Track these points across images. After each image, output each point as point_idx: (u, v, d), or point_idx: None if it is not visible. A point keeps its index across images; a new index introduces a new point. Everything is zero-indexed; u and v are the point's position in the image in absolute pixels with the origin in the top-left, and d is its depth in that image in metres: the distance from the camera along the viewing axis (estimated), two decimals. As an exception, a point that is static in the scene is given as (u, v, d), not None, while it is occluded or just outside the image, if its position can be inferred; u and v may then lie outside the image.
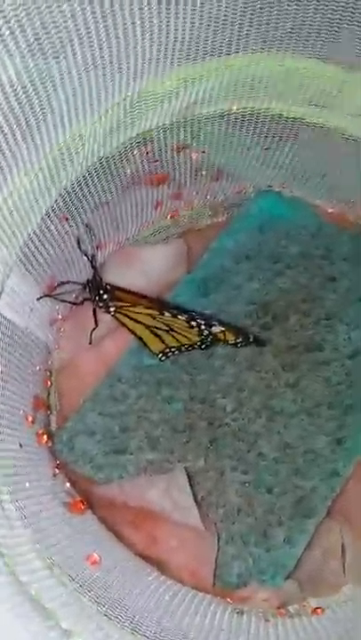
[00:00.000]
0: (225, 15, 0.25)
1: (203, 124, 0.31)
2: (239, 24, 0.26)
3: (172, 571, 0.31)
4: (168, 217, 0.40)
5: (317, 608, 0.27)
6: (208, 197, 0.39)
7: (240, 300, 0.38)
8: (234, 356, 0.36)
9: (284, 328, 0.37)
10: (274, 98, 0.29)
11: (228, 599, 0.30)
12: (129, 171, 0.32)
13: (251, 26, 0.26)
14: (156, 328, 0.34)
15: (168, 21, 0.24)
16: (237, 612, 0.27)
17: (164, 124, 0.30)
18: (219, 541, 0.32)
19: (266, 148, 0.33)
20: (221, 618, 0.27)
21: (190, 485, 0.33)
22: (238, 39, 0.27)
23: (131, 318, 0.34)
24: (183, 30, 0.25)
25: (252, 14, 0.26)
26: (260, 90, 0.29)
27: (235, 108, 0.30)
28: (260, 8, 0.25)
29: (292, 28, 0.25)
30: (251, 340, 0.35)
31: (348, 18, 0.26)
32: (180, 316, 0.33)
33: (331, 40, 0.26)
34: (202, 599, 0.29)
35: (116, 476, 0.33)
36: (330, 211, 0.39)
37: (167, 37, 0.25)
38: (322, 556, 0.32)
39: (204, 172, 0.36)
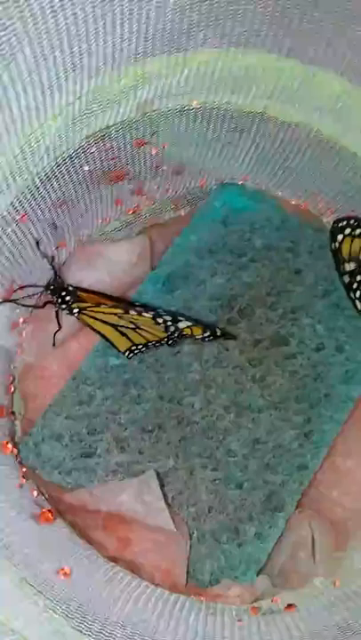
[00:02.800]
0: (183, 11, 0.25)
1: (162, 119, 0.30)
2: (197, 20, 0.25)
3: (145, 572, 0.31)
4: (130, 212, 0.39)
5: (290, 605, 0.27)
6: (170, 192, 0.39)
7: (205, 295, 0.37)
8: (201, 353, 0.36)
9: (250, 322, 0.37)
10: (234, 93, 0.29)
11: (201, 597, 0.30)
12: (87, 168, 0.31)
13: (209, 22, 0.25)
14: (122, 326, 0.34)
15: (123, 19, 0.23)
16: (211, 614, 0.27)
17: (122, 121, 0.29)
18: (190, 540, 0.32)
19: (227, 143, 0.32)
20: (195, 620, 0.27)
21: (161, 486, 0.33)
22: (196, 35, 0.26)
23: (95, 318, 0.33)
24: (139, 28, 0.24)
25: (210, 11, 0.25)
26: (220, 85, 0.28)
27: (194, 103, 0.29)
28: (219, 5, 0.25)
29: (250, 24, 0.25)
30: (218, 333, 0.34)
31: (309, 14, 0.25)
32: (145, 314, 0.32)
33: (289, 36, 0.26)
34: (175, 600, 0.29)
35: (85, 480, 0.33)
36: (293, 203, 0.39)
37: (122, 35, 0.24)
38: (292, 550, 0.32)
39: (164, 167, 0.35)
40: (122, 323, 0.33)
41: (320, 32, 0.25)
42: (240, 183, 0.39)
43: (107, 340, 0.35)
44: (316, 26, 0.25)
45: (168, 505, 0.32)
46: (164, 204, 0.40)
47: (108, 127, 0.28)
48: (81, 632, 0.22)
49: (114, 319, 0.33)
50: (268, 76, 0.27)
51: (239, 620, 0.26)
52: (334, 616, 0.25)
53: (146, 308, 0.33)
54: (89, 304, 0.32)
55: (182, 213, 0.41)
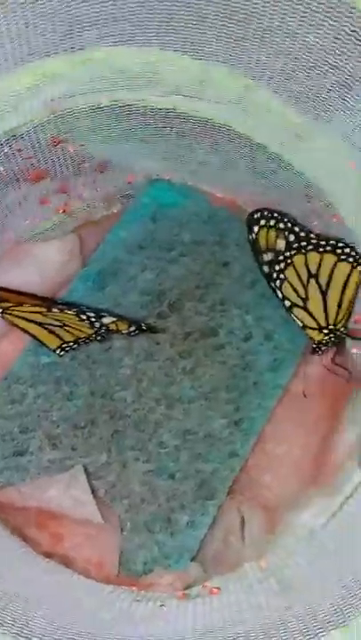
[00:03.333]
0: (84, 9, 0.25)
1: (75, 118, 0.31)
2: (95, 18, 0.25)
3: (78, 566, 0.32)
4: (60, 211, 0.39)
5: (214, 588, 0.28)
6: (98, 190, 0.39)
7: (135, 290, 0.38)
8: (131, 348, 0.36)
9: (180, 316, 0.37)
10: (141, 90, 0.29)
11: (134, 587, 0.31)
12: (2, 168, 0.31)
13: (111, 19, 0.26)
14: (49, 324, 0.34)
15: (16, 19, 0.23)
16: (137, 600, 0.28)
17: (31, 121, 0.29)
18: (122, 532, 0.32)
19: (143, 139, 0.33)
20: (120, 607, 0.27)
21: (94, 480, 0.33)
22: (91, 33, 0.26)
23: (21, 317, 0.33)
24: (36, 26, 0.25)
25: (113, 8, 0.25)
26: (126, 83, 0.29)
27: (104, 101, 0.30)
28: (120, 2, 0.25)
29: (142, 22, 0.25)
30: (143, 327, 0.35)
31: (212, 11, 0.26)
32: (68, 311, 0.33)
33: (193, 33, 0.26)
34: (106, 590, 0.29)
35: (17, 479, 0.33)
36: (219, 197, 0.39)
37: (19, 34, 0.25)
38: (224, 535, 0.33)
39: (87, 165, 0.35)
40: (48, 321, 0.34)
41: (215, 30, 0.26)
42: (167, 179, 0.39)
43: (36, 338, 0.35)
44: (212, 23, 0.26)
45: (101, 499, 0.33)
46: (95, 202, 0.40)
47: (16, 127, 0.28)
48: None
49: (39, 317, 0.33)
50: (172, 73, 0.28)
51: (162, 605, 0.26)
52: (258, 597, 0.26)
53: (69, 305, 0.34)
54: (11, 303, 0.32)
55: (114, 211, 0.41)
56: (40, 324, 0.34)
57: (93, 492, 0.33)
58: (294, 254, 0.33)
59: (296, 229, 0.33)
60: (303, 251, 0.33)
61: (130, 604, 0.28)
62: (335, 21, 0.22)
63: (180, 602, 0.28)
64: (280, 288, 0.34)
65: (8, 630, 0.21)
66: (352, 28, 0.22)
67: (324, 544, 0.26)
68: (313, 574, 0.24)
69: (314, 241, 0.32)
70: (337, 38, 0.23)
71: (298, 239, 0.33)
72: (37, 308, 0.33)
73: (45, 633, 0.23)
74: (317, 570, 0.25)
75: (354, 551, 0.23)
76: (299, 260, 0.33)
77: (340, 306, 0.34)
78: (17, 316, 0.33)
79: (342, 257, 0.32)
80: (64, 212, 0.39)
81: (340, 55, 0.24)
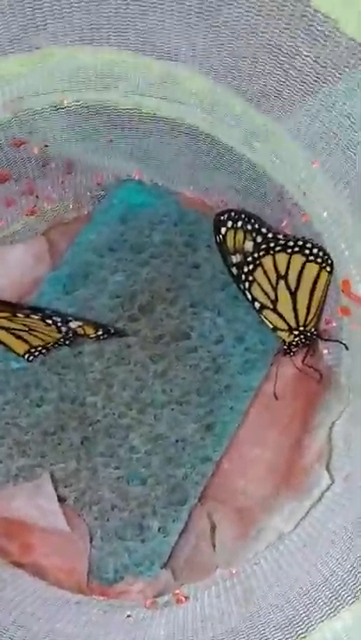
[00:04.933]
0: (38, 7, 0.24)
1: (36, 118, 0.30)
2: (50, 16, 0.25)
3: (49, 575, 0.31)
4: (28, 214, 0.39)
5: (182, 596, 0.28)
6: (67, 191, 0.38)
7: (105, 293, 0.37)
8: (102, 352, 0.36)
9: (151, 319, 0.37)
10: (102, 90, 0.29)
11: (103, 596, 0.30)
12: (-37, 171, 0.30)
13: (67, 18, 0.25)
14: (16, 329, 0.33)
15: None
16: (104, 611, 0.27)
17: (-9, 122, 0.28)
18: (92, 540, 0.32)
19: (109, 140, 0.32)
20: (88, 619, 0.27)
21: (63, 487, 0.33)
22: (54, 32, 0.26)
23: (-14, 324, 0.33)
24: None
25: (68, 7, 0.25)
26: (86, 82, 0.28)
27: (65, 102, 0.29)
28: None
29: (110, 21, 0.24)
30: (111, 331, 0.34)
31: (170, 8, 0.25)
32: (33, 316, 0.32)
33: (148, 32, 0.26)
34: (75, 602, 0.29)
35: (-15, 488, 0.33)
36: (189, 197, 0.39)
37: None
38: (194, 542, 0.32)
39: (53, 165, 0.35)
40: (14, 326, 0.33)
41: (175, 29, 0.25)
42: (137, 179, 0.39)
43: (3, 344, 0.34)
44: (171, 23, 0.25)
45: (70, 507, 0.32)
46: (64, 203, 0.39)
47: (-25, 129, 0.28)
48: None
49: (4, 322, 0.33)
50: (132, 72, 0.27)
51: (128, 616, 0.26)
52: (224, 605, 0.26)
53: (34, 310, 0.33)
54: (-25, 309, 0.32)
55: (85, 212, 0.41)
56: (6, 329, 0.33)
57: (63, 500, 0.32)
58: (263, 255, 0.32)
59: (263, 230, 0.33)
60: (271, 252, 0.32)
61: (98, 614, 0.27)
62: (290, 19, 0.22)
63: (148, 611, 0.27)
64: (249, 290, 0.34)
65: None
66: (307, 26, 0.22)
67: (290, 551, 0.26)
68: (276, 581, 0.24)
69: (282, 242, 0.32)
70: (293, 37, 0.22)
71: (266, 240, 0.33)
72: (2, 314, 0.32)
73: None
74: (281, 577, 0.24)
75: (316, 560, 0.23)
76: (267, 261, 0.33)
77: (309, 307, 0.33)
78: (-18, 322, 0.33)
79: (310, 258, 0.32)
80: (32, 213, 0.39)
81: (297, 55, 0.23)
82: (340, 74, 0.24)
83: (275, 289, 0.33)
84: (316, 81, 0.24)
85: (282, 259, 0.33)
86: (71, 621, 0.27)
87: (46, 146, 0.33)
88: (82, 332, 0.34)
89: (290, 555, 0.26)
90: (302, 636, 0.19)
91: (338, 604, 0.19)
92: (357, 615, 0.18)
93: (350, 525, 0.23)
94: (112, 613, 0.27)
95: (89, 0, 0.24)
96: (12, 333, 0.34)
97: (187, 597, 0.28)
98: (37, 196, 0.37)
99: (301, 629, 0.19)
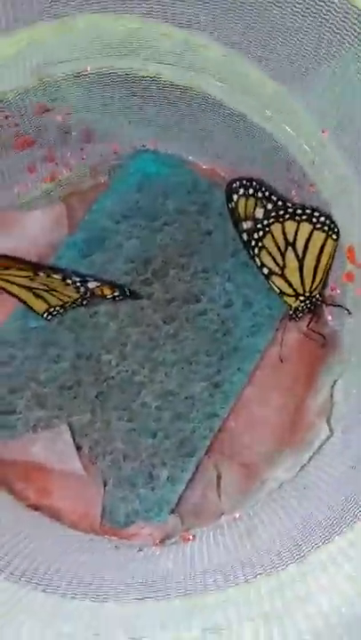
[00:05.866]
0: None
1: (61, 85, 0.31)
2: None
3: (64, 517, 0.33)
4: (48, 180, 0.40)
5: (188, 536, 0.30)
6: (85, 159, 0.40)
7: (120, 258, 0.39)
8: (116, 313, 0.38)
9: (164, 282, 0.38)
10: (123, 57, 0.30)
11: (115, 537, 0.32)
12: (-11, 135, 0.32)
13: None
14: (36, 289, 0.35)
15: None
16: (115, 547, 0.29)
17: (17, 87, 0.30)
18: (105, 486, 0.34)
19: (127, 108, 0.34)
20: (102, 552, 0.29)
21: (79, 437, 0.35)
22: (80, 0, 0.27)
23: (8, 281, 0.35)
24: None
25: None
26: (108, 50, 0.29)
27: (89, 68, 0.30)
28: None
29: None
30: (127, 292, 0.36)
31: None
32: (54, 275, 0.34)
33: (173, 1, 0.27)
34: (87, 538, 0.31)
35: (6, 437, 0.35)
36: (204, 167, 0.40)
37: (3, 3, 0.25)
38: (201, 491, 0.34)
39: (73, 134, 0.36)
40: (35, 285, 0.35)
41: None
42: (152, 149, 0.40)
43: (23, 302, 0.36)
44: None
45: (85, 455, 0.34)
46: (82, 171, 0.41)
47: (2, 94, 0.29)
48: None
49: (26, 281, 0.34)
50: (152, 41, 0.29)
51: (139, 550, 0.28)
52: (227, 540, 0.28)
53: (55, 270, 0.35)
54: (-1, 267, 0.34)
55: (102, 180, 0.42)
56: (28, 288, 0.35)
57: (78, 448, 0.34)
58: (272, 223, 0.34)
59: (274, 198, 0.34)
60: (281, 219, 0.34)
61: (111, 549, 0.29)
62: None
63: (157, 548, 0.30)
64: (258, 256, 0.35)
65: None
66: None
67: (290, 495, 0.28)
68: (277, 519, 0.26)
69: (291, 210, 0.34)
70: (306, 8, 0.24)
71: (276, 208, 0.34)
72: (24, 272, 0.34)
73: (28, 570, 0.24)
74: (282, 515, 0.26)
75: (313, 499, 0.25)
76: (276, 228, 0.34)
77: (315, 274, 0.35)
78: (4, 280, 0.34)
79: (318, 226, 0.33)
80: (52, 180, 0.40)
81: (310, 26, 0.24)
82: (349, 44, 0.25)
83: (283, 255, 0.35)
84: (328, 50, 0.26)
85: (290, 226, 0.34)
86: (85, 553, 0.29)
87: (68, 114, 0.34)
88: (99, 293, 0.36)
89: (290, 497, 0.28)
90: (299, 559, 0.21)
91: (333, 530, 0.21)
92: (349, 539, 0.20)
93: (343, 471, 0.25)
94: (124, 549, 0.29)
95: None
96: (32, 293, 0.35)
97: (193, 536, 0.30)
98: (57, 163, 0.39)
99: (299, 555, 0.21)
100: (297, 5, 0.24)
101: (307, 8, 0.25)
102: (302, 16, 0.25)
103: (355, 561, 0.20)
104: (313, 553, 0.21)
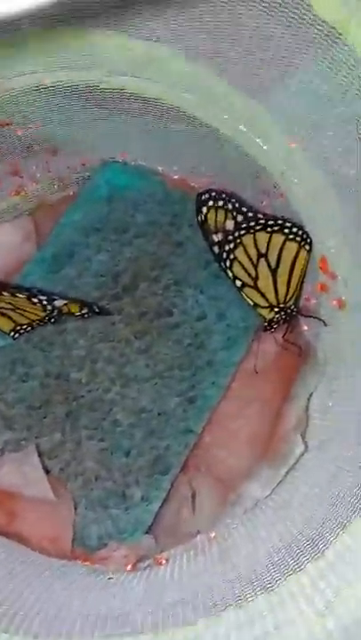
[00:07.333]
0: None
1: (19, 99, 0.31)
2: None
3: (33, 543, 0.32)
4: (13, 194, 0.39)
5: (162, 559, 0.29)
6: (51, 172, 0.39)
7: (90, 272, 0.38)
8: (86, 330, 0.37)
9: (134, 296, 0.38)
10: (85, 69, 0.29)
11: (88, 562, 0.31)
12: None
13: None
14: (2, 307, 0.34)
15: None
16: (87, 574, 0.28)
17: (-26, 102, 0.29)
18: (77, 508, 0.33)
19: (94, 120, 0.33)
20: (73, 580, 0.28)
21: (49, 459, 0.34)
22: (33, 14, 0.26)
23: (-28, 301, 0.34)
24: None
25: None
26: (68, 62, 0.28)
27: (47, 81, 0.30)
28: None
29: (88, 4, 0.25)
30: (96, 310, 0.35)
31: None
32: (19, 294, 0.33)
33: (130, 14, 0.26)
34: (58, 564, 0.30)
35: (-27, 459, 0.34)
36: (175, 177, 0.39)
37: None
38: (176, 508, 0.33)
39: (36, 147, 0.35)
40: (0, 304, 0.34)
41: (152, 10, 0.26)
42: (121, 160, 0.40)
43: (-11, 321, 0.35)
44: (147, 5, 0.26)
45: (55, 477, 0.33)
46: (49, 184, 0.40)
47: None
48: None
49: (-9, 300, 0.33)
50: (113, 54, 0.28)
51: (110, 578, 0.27)
52: (200, 564, 0.27)
53: (20, 288, 0.34)
54: None
55: (70, 193, 0.41)
56: (-8, 307, 0.34)
57: (48, 470, 0.33)
58: (243, 234, 0.33)
59: (244, 209, 0.34)
60: (252, 231, 0.33)
61: (81, 576, 0.28)
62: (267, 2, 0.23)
63: (129, 574, 0.29)
64: (230, 268, 0.34)
65: None
66: (282, 9, 0.22)
67: (265, 514, 0.27)
68: (250, 541, 0.25)
69: (262, 221, 0.33)
70: (269, 19, 0.23)
71: (246, 219, 0.34)
72: (-14, 292, 0.33)
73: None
74: (255, 538, 0.26)
75: (286, 525, 0.24)
76: (248, 240, 0.33)
77: (289, 285, 0.34)
78: (-32, 299, 0.33)
79: (290, 236, 0.33)
80: (17, 194, 0.39)
81: (273, 37, 0.24)
82: (314, 55, 0.24)
83: (255, 267, 0.34)
84: (291, 62, 0.25)
85: (262, 237, 0.33)
86: (57, 581, 0.28)
87: (30, 128, 0.33)
88: (66, 311, 0.35)
89: (265, 517, 0.27)
90: (270, 588, 0.20)
91: (304, 559, 0.20)
92: (319, 568, 0.20)
93: (319, 490, 0.25)
94: (95, 576, 0.28)
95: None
96: (-2, 311, 0.34)
97: (167, 560, 0.29)
98: (22, 177, 0.38)
99: (270, 583, 0.21)
100: (260, 17, 0.24)
101: (269, 20, 0.24)
102: (266, 28, 0.24)
103: (327, 591, 0.19)
104: (283, 583, 0.20)
